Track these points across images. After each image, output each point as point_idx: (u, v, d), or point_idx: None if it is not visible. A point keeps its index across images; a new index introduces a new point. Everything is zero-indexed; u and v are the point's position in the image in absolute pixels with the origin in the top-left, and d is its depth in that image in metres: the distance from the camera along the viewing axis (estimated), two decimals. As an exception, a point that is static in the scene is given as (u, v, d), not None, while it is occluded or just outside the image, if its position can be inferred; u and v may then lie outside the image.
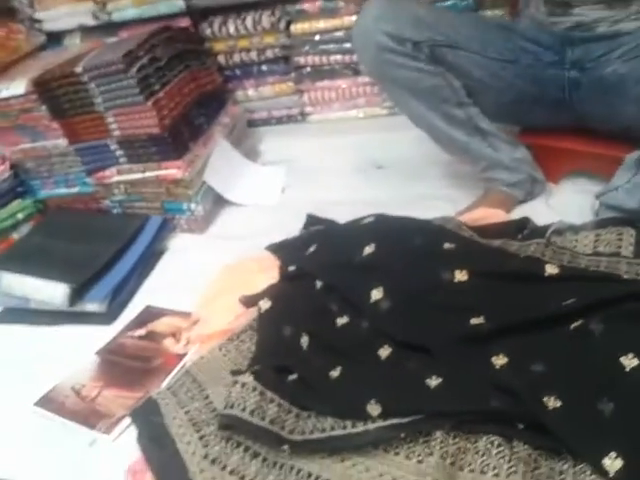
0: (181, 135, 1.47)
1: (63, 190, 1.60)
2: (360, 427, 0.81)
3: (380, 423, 0.80)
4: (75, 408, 1.07)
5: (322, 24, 1.59)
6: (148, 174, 1.48)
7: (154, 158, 1.46)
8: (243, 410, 0.85)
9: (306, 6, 1.58)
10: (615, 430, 0.71)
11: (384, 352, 0.92)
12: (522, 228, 1.18)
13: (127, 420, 1.01)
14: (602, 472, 0.68)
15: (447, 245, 1.04)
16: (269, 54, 1.67)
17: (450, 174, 1.50)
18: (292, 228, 1.37)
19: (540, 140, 1.34)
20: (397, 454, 0.79)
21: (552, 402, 0.76)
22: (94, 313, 1.30)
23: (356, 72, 1.66)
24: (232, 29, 1.62)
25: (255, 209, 1.59)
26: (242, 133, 1.76)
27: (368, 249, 1.05)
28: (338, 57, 1.63)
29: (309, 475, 0.80)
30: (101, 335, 1.24)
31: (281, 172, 1.67)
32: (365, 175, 1.60)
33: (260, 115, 1.82)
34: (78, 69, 1.35)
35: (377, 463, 0.79)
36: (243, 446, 0.86)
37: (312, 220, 1.39)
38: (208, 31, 1.65)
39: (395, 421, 0.80)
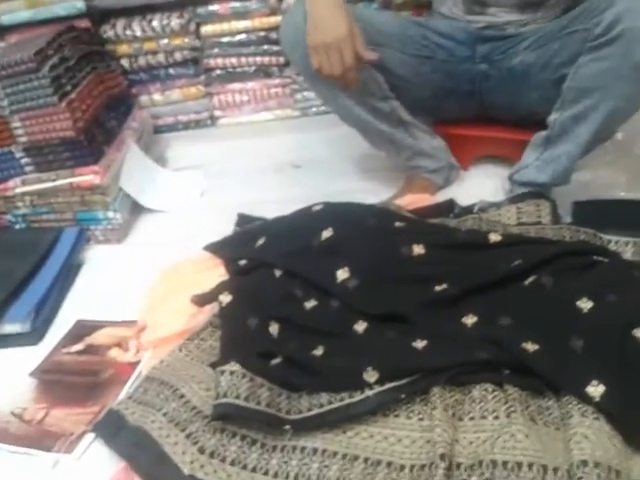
0: (95, 139, 1.40)
1: (-44, 207, 1.44)
2: (358, 396, 0.83)
3: (378, 388, 0.83)
4: (21, 433, 0.97)
5: (233, 26, 1.59)
6: (60, 182, 1.38)
7: (67, 164, 1.37)
8: (237, 397, 0.83)
9: (217, 8, 1.57)
10: (590, 362, 0.80)
11: (360, 327, 0.95)
12: (451, 208, 1.28)
13: (89, 436, 0.93)
14: (588, 399, 0.76)
15: (398, 224, 1.10)
16: (177, 57, 1.63)
17: (365, 169, 1.58)
18: (217, 230, 1.35)
19: (450, 130, 1.45)
20: (397, 416, 0.83)
21: (530, 346, 0.83)
22: (17, 334, 1.19)
23: (267, 74, 1.69)
24: (138, 31, 1.57)
25: (174, 215, 1.55)
26: (149, 139, 1.71)
27: (326, 233, 1.07)
28: (249, 59, 1.64)
29: (314, 451, 0.81)
30: (30, 356, 1.14)
31: (198, 176, 1.64)
32: (284, 175, 1.62)
33: (166, 120, 1.77)
34: (-21, 70, 1.24)
35: (379, 428, 0.82)
36: (239, 435, 0.84)
37: (244, 219, 1.38)
38: (111, 33, 1.58)
39: (393, 384, 0.83)
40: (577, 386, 0.78)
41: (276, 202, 1.43)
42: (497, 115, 1.38)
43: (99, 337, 1.15)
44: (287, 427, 0.82)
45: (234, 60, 1.65)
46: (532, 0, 1.19)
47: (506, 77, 1.26)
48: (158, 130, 1.78)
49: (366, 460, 0.78)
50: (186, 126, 1.79)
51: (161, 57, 1.63)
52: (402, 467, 0.76)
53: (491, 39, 1.26)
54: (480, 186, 1.42)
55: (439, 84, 1.31)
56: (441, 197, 1.39)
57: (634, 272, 0.95)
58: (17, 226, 1.45)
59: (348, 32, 1.09)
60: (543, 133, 1.23)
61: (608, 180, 1.34)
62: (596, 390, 0.76)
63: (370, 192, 1.45)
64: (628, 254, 1.03)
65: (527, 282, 0.95)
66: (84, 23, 1.56)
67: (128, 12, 1.59)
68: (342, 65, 1.10)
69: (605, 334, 0.82)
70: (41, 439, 0.95)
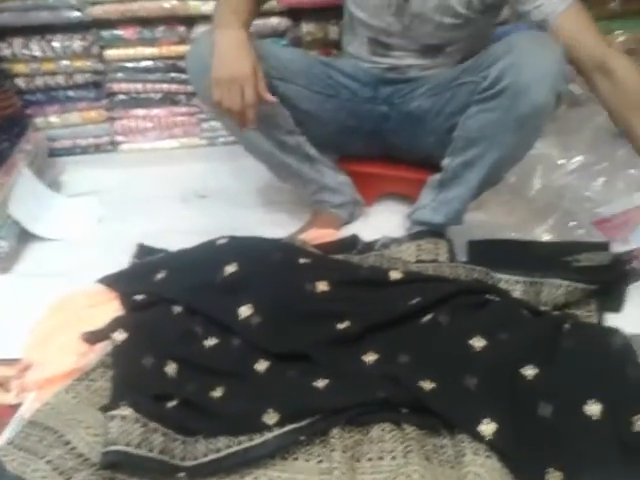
0: (-18, 162, 1.31)
1: None
2: (257, 439, 0.82)
3: (278, 431, 0.81)
4: None
5: (139, 51, 1.55)
6: (-59, 207, 1.28)
7: (-51, 188, 1.27)
8: (128, 444, 0.79)
9: (122, 32, 1.53)
10: (483, 399, 0.83)
11: (261, 366, 0.94)
12: (354, 244, 1.30)
13: (-38, 488, 0.85)
14: (480, 437, 0.79)
15: (302, 260, 1.10)
16: (79, 79, 1.57)
17: (271, 201, 1.57)
18: (114, 262, 1.30)
19: (354, 167, 1.49)
20: (296, 459, 0.81)
21: (427, 384, 0.85)
22: None
23: (174, 102, 1.65)
24: (37, 51, 1.49)
25: (68, 244, 1.46)
26: (43, 163, 1.62)
27: (230, 268, 1.05)
28: (155, 86, 1.61)
29: (209, 499, 0.77)
30: None
31: (94, 203, 1.56)
32: (188, 205, 1.58)
33: (63, 144, 1.69)
34: None
35: (278, 472, 0.80)
36: (129, 484, 0.79)
37: (144, 250, 1.33)
38: (7, 52, 1.49)
39: (293, 426, 0.82)
40: (470, 424, 0.80)
41: (179, 233, 1.39)
42: (399, 155, 1.43)
43: (-23, 376, 1.06)
44: (181, 475, 0.79)
45: (139, 86, 1.61)
46: (431, 46, 1.25)
47: (405, 120, 1.31)
48: (54, 153, 1.69)
49: (264, 506, 0.76)
50: (85, 150, 1.71)
51: (60, 79, 1.56)
52: (300, 511, 0.75)
53: (393, 82, 1.31)
54: (383, 222, 1.45)
55: (343, 122, 1.34)
56: (345, 232, 1.41)
57: (522, 311, 1.00)
58: None
59: (251, 71, 1.10)
60: (437, 176, 1.29)
61: (501, 220, 1.43)
62: (487, 428, 0.79)
63: (276, 225, 1.45)
64: (517, 292, 1.09)
65: (425, 320, 0.98)
66: (-24, 41, 1.46)
67: (26, 31, 1.51)
68: (242, 102, 1.11)
69: (496, 372, 0.86)
70: None
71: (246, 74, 1.09)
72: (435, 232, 1.30)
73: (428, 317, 0.98)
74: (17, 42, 1.51)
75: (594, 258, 1.14)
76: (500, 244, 1.29)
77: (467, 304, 1.01)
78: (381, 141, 1.39)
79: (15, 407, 0.99)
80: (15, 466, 0.84)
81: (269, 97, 1.15)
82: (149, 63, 1.58)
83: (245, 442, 0.82)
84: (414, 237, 1.29)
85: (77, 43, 1.51)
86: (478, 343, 0.91)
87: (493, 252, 1.25)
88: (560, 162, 1.56)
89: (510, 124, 1.09)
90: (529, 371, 0.85)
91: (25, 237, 1.44)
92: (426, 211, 1.33)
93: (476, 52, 1.24)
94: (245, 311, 0.99)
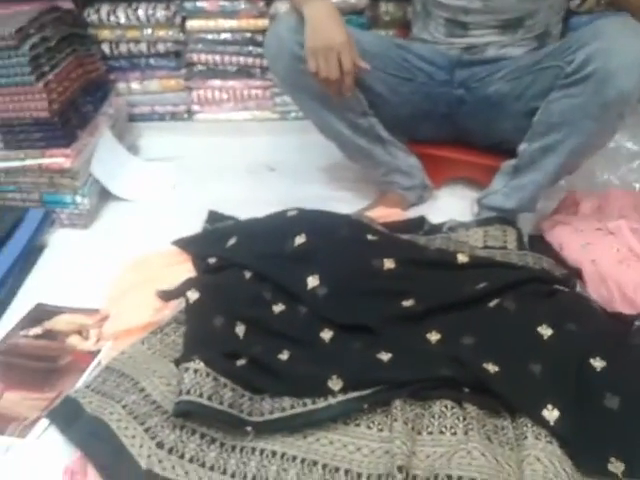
0: (69, 122, 1.38)
1: None
2: (321, 402, 0.84)
3: (342, 397, 0.84)
4: (-27, 414, 0.94)
5: (219, 24, 1.58)
6: (29, 162, 1.35)
7: (38, 145, 1.34)
8: (200, 396, 0.83)
9: (205, 4, 1.57)
10: (547, 386, 0.83)
11: (326, 335, 0.96)
12: (421, 225, 1.31)
13: (43, 422, 0.92)
14: (543, 422, 0.79)
15: (370, 236, 1.12)
16: (160, 48, 1.62)
17: (339, 178, 1.59)
18: (186, 226, 1.34)
19: (425, 149, 1.48)
20: (358, 425, 0.84)
21: (491, 367, 0.86)
22: (-29, 312, 1.16)
23: (249, 75, 1.68)
24: (122, 18, 1.55)
25: (144, 205, 1.53)
26: (123, 126, 1.69)
27: (299, 239, 1.08)
28: (232, 58, 1.64)
29: (273, 454, 0.81)
30: (-16, 336, 1.10)
31: (170, 169, 1.62)
32: (258, 176, 1.62)
33: (142, 110, 1.75)
34: (-41, 40, 1.20)
35: (339, 436, 0.83)
36: (199, 433, 0.83)
37: (215, 216, 1.38)
38: (94, 17, 1.56)
39: (356, 394, 0.84)
40: (533, 409, 0.81)
41: (248, 203, 1.43)
42: (471, 139, 1.42)
43: (59, 323, 1.13)
44: (248, 429, 0.82)
45: (217, 57, 1.65)
46: (511, 20, 1.23)
47: (481, 104, 1.30)
48: (133, 118, 1.75)
49: (324, 466, 0.79)
50: (162, 117, 1.77)
51: (143, 46, 1.62)
52: (359, 475, 0.77)
53: (470, 65, 1.29)
54: (450, 206, 1.45)
55: (417, 105, 1.34)
56: (412, 213, 1.42)
57: (592, 304, 0.99)
58: (-20, 202, 1.41)
59: (346, 38, 1.11)
60: (512, 161, 1.28)
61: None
62: (551, 414, 0.80)
63: (343, 201, 1.47)
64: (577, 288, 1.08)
65: (491, 304, 0.98)
66: (67, 4, 1.52)
67: (113, -3, 1.58)
68: (339, 69, 1.11)
69: (563, 361, 0.85)
70: (-7, 421, 0.92)
71: (342, 42, 1.11)
72: (504, 219, 1.29)
73: (494, 302, 0.98)
74: (104, 8, 1.57)
75: None
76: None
77: (535, 292, 1.00)
78: (454, 125, 1.38)
79: (93, 354, 1.05)
80: (93, 408, 0.90)
81: (364, 64, 1.15)
82: (228, 35, 1.61)
83: (309, 404, 0.85)
84: (482, 223, 1.29)
85: (161, 12, 1.56)
86: (545, 331, 0.90)
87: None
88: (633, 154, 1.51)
89: (594, 110, 1.07)
90: (597, 362, 0.85)
91: (105, 197, 1.51)
92: (497, 196, 1.32)
93: (552, 27, 1.21)
94: (312, 281, 1.02)
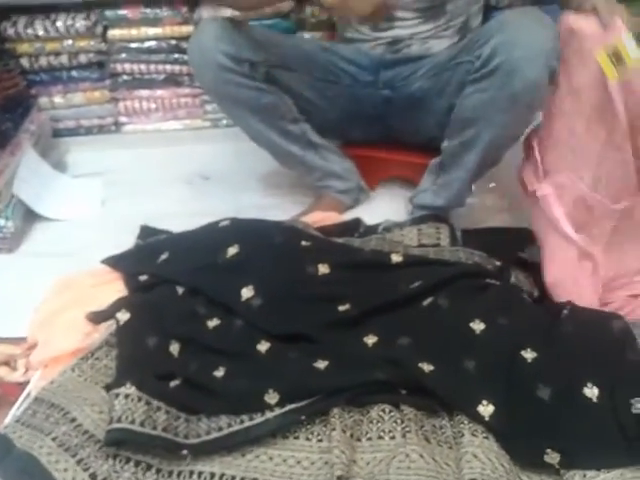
0: (-13, 142, 1.31)
1: None
2: (259, 418, 0.83)
3: (279, 410, 0.83)
4: None
5: (142, 32, 1.54)
6: (-55, 186, 1.29)
7: (-46, 167, 1.28)
8: (132, 422, 0.80)
9: (126, 12, 1.52)
10: (481, 382, 0.84)
11: (263, 347, 0.95)
12: (357, 227, 1.31)
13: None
14: (479, 418, 0.80)
15: (304, 242, 1.11)
16: (82, 59, 1.56)
17: (275, 184, 1.58)
18: (118, 242, 1.30)
19: (358, 151, 1.49)
20: (297, 438, 0.83)
21: (426, 366, 0.86)
22: None
23: (177, 83, 1.65)
24: (40, 30, 1.49)
25: (72, 224, 1.47)
26: (47, 143, 1.62)
27: (232, 250, 1.06)
28: (159, 66, 1.60)
29: (212, 476, 0.79)
30: None
31: (98, 184, 1.57)
32: (192, 187, 1.59)
33: (67, 124, 1.69)
34: None
35: (279, 450, 0.82)
36: (133, 461, 0.81)
37: (147, 231, 1.34)
38: (11, 31, 1.49)
39: (293, 406, 0.83)
40: (468, 405, 0.81)
41: (183, 215, 1.40)
42: (402, 139, 1.43)
43: (-16, 355, 1.08)
44: (184, 452, 0.80)
45: (142, 67, 1.60)
46: (433, 3, 1.23)
47: (407, 103, 1.31)
48: (58, 134, 1.69)
49: (264, 483, 0.78)
50: (88, 131, 1.71)
51: (64, 59, 1.56)
52: (300, 490, 0.76)
53: (394, 64, 1.30)
54: (386, 206, 1.46)
55: (344, 108, 1.34)
56: (349, 216, 1.41)
57: (522, 296, 1.01)
58: None
59: None
60: (437, 159, 1.29)
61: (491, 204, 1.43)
62: (486, 410, 0.81)
63: (279, 208, 1.46)
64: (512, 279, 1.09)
65: (425, 303, 0.99)
66: (-19, 19, 1.46)
67: (30, 10, 1.51)
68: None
69: (495, 355, 0.87)
70: None
71: None
72: (437, 216, 1.30)
73: (428, 300, 0.99)
74: (21, 21, 1.50)
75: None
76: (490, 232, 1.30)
77: (467, 287, 1.01)
78: (384, 126, 1.38)
79: (22, 385, 1.01)
80: (23, 442, 0.86)
81: None
82: (152, 43, 1.57)
83: (247, 421, 0.83)
84: (416, 221, 1.30)
85: (81, 22, 1.51)
86: (477, 326, 0.92)
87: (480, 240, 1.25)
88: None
89: (503, 103, 1.08)
90: (528, 354, 0.86)
91: (30, 217, 1.45)
92: (427, 195, 1.33)
93: (472, 19, 1.23)
94: (246, 293, 1.00)
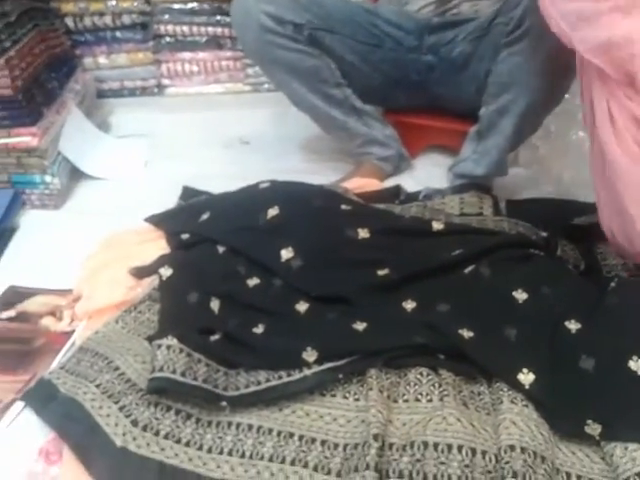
0: (34, 99, 1.34)
1: None
2: (297, 374, 0.84)
3: (317, 368, 0.84)
4: (-56, 399, 0.93)
5: (186, -7, 1.54)
6: (-6, 142, 1.32)
7: (3, 124, 1.31)
8: (174, 372, 0.82)
9: (170, -28, 1.52)
10: (522, 351, 0.83)
11: (301, 307, 0.95)
12: (397, 194, 1.30)
13: (18, 405, 0.90)
14: (518, 386, 0.79)
15: (344, 207, 1.11)
16: (125, 20, 1.57)
17: (314, 150, 1.57)
18: (160, 202, 1.32)
19: (400, 118, 1.47)
20: (334, 396, 0.83)
21: (466, 333, 0.86)
22: (-59, 298, 1.13)
23: (219, 45, 1.65)
24: (86, -11, 1.50)
25: (116, 183, 1.50)
26: (92, 103, 1.65)
27: (272, 211, 1.07)
28: (201, 28, 1.60)
29: (250, 427, 0.80)
30: (-46, 320, 1.08)
31: (142, 145, 1.59)
32: (232, 150, 1.60)
33: (111, 85, 1.71)
34: None
35: (316, 407, 0.82)
36: (174, 409, 0.82)
37: (189, 192, 1.36)
38: (56, -10, 1.51)
39: (331, 364, 0.84)
40: (508, 373, 0.81)
41: (222, 177, 1.41)
42: (444, 106, 1.40)
43: (32, 304, 1.12)
44: (223, 403, 0.82)
45: (185, 28, 1.60)
46: None
47: (449, 68, 1.28)
48: (102, 95, 1.71)
49: (301, 438, 0.79)
50: (132, 92, 1.73)
51: (108, 19, 1.57)
52: (336, 445, 0.77)
53: (439, 29, 1.27)
54: (427, 175, 1.44)
55: (387, 73, 1.32)
56: (389, 183, 1.40)
57: (567, 267, 0.99)
58: (-54, 185, 1.37)
59: None
60: (476, 127, 1.27)
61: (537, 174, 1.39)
62: (526, 378, 0.80)
63: (318, 173, 1.45)
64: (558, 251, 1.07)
65: (466, 271, 0.98)
66: (28, -23, 1.47)
67: (75, -31, 1.52)
68: None
69: (538, 324, 0.85)
70: (-32, 406, 0.91)
71: None
72: (480, 185, 1.28)
73: (469, 268, 0.98)
74: (66, -20, 1.52)
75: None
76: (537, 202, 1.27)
77: (510, 257, 1.00)
78: (426, 92, 1.36)
79: (67, 335, 1.04)
80: (68, 388, 0.88)
81: None
82: (195, 5, 1.57)
83: (284, 377, 0.84)
84: (458, 190, 1.28)
85: (124, -18, 1.51)
86: (520, 295, 0.90)
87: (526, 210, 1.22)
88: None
89: (537, 66, 1.05)
90: (572, 325, 0.85)
91: (75, 175, 1.48)
92: (467, 163, 1.31)
93: None
94: (286, 254, 1.01)
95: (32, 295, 1.13)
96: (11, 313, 1.09)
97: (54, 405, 0.86)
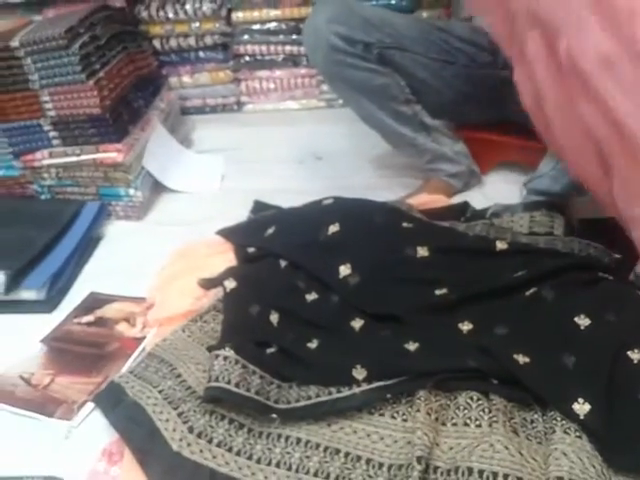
0: (121, 117, 1.44)
1: (-14, 174, 1.49)
2: (346, 392, 0.85)
3: (366, 386, 0.84)
4: (27, 397, 1.01)
5: (264, 14, 1.60)
6: (84, 157, 1.43)
7: (92, 140, 1.41)
8: (228, 383, 0.85)
9: (250, -5, 1.59)
10: (579, 379, 0.80)
11: (357, 324, 0.96)
12: (464, 211, 1.28)
13: (89, 406, 0.97)
14: (573, 416, 0.76)
15: (405, 224, 1.11)
16: (208, 41, 1.66)
17: (386, 165, 1.58)
18: (234, 215, 1.38)
19: (472, 134, 1.44)
20: (382, 415, 0.84)
21: (522, 358, 0.83)
22: (32, 301, 1.23)
23: (295, 63, 1.70)
24: (171, 13, 1.60)
25: (194, 197, 1.58)
26: (176, 120, 1.74)
27: (333, 228, 1.09)
28: (278, 47, 1.66)
29: (298, 441, 0.82)
30: (42, 323, 1.18)
31: (220, 160, 1.66)
32: (305, 166, 1.63)
33: (194, 103, 1.80)
34: (14, 43, 1.28)
35: (363, 425, 0.83)
36: (227, 418, 0.86)
37: (259, 206, 1.40)
38: (145, 14, 1.61)
39: (380, 383, 0.84)
40: (562, 402, 0.78)
41: (294, 192, 1.44)
42: (518, 121, 1.36)
43: (109, 311, 1.19)
44: (274, 416, 0.84)
45: (263, 48, 1.67)
46: None
47: None
48: (185, 112, 1.81)
49: (347, 455, 0.79)
50: (213, 109, 1.81)
51: (192, 40, 1.66)
52: (380, 465, 0.77)
53: None
54: (498, 191, 1.41)
55: (460, 89, 1.30)
56: (458, 199, 1.38)
57: (637, 292, 0.93)
58: (42, 196, 1.50)
59: None
60: None
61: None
62: (581, 408, 0.76)
63: (388, 189, 1.46)
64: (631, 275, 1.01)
65: (528, 293, 0.95)
66: (119, 2, 1.58)
67: (162, -6, 1.62)
68: None
69: (598, 353, 0.82)
70: (44, 404, 0.99)
71: None
72: (553, 203, 1.23)
73: (532, 291, 0.95)
74: (154, 5, 1.62)
75: None
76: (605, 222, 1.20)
77: (576, 280, 0.96)
78: (500, 108, 1.33)
79: (139, 340, 1.10)
80: (134, 392, 0.94)
81: None
82: (273, 25, 1.63)
83: (334, 393, 0.85)
84: (529, 207, 1.24)
85: (207, 5, 1.60)
86: (582, 321, 0.86)
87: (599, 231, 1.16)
88: None
89: None
90: (635, 355, 0.80)
91: (157, 189, 1.57)
92: (544, 180, 1.27)
93: None
94: (344, 270, 1.02)
95: (110, 302, 1.21)
96: (90, 318, 1.18)
97: (120, 408, 0.92)
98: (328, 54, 1.21)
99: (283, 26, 1.62)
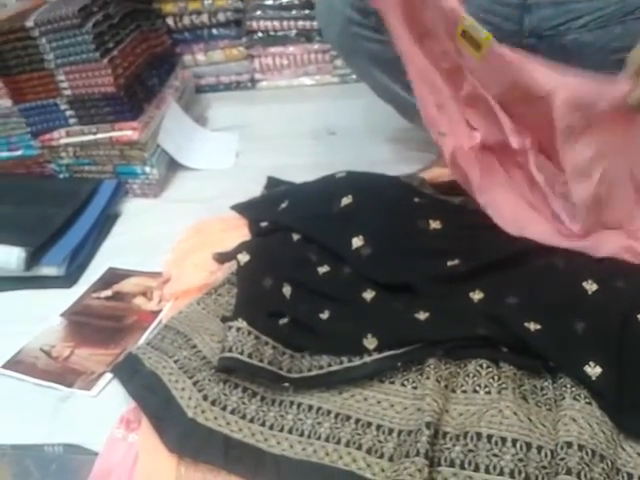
0: (135, 95, 1.45)
1: (4, 154, 1.51)
2: (357, 361, 0.86)
3: (377, 355, 0.85)
4: (48, 368, 1.04)
5: (276, -11, 1.60)
6: (100, 136, 1.44)
7: (107, 119, 1.42)
8: (241, 353, 0.87)
9: (261, -31, 1.58)
10: (589, 344, 0.80)
11: (368, 295, 0.97)
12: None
13: (107, 376, 1.00)
14: (584, 378, 0.76)
15: (417, 199, 1.11)
16: (221, 17, 1.66)
17: (400, 140, 1.57)
18: (249, 191, 1.39)
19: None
20: (392, 383, 0.85)
21: (532, 326, 0.84)
22: (52, 277, 1.27)
23: (308, 39, 1.69)
24: (183, -10, 1.60)
25: (209, 174, 1.59)
26: (190, 98, 1.75)
27: (345, 200, 1.09)
28: (291, 23, 1.65)
29: (309, 408, 0.84)
30: (62, 298, 1.21)
31: (234, 137, 1.67)
32: (318, 141, 1.63)
33: (208, 81, 1.81)
34: (29, 23, 1.29)
35: (374, 392, 0.84)
36: (241, 387, 0.88)
37: (273, 182, 1.41)
38: (157, -9, 1.62)
39: (391, 352, 0.85)
40: (574, 366, 0.78)
41: (308, 168, 1.44)
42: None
43: (127, 285, 1.22)
44: (286, 384, 0.86)
45: (276, 23, 1.66)
46: None
47: (557, 54, 1.20)
48: (200, 90, 1.81)
49: (357, 421, 0.81)
50: (227, 87, 1.82)
51: (205, 17, 1.66)
52: (390, 431, 0.79)
53: (536, 7, 1.20)
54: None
55: None
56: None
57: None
58: (61, 175, 1.53)
59: None
60: None
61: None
62: (593, 371, 0.77)
63: (402, 162, 1.45)
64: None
65: (540, 263, 0.95)
66: (132, -20, 1.58)
67: (175, -29, 1.62)
68: None
69: (607, 317, 0.82)
70: (64, 375, 1.02)
71: None
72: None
73: (543, 260, 0.95)
74: (165, -18, 1.62)
75: None
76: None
77: (589, 250, 0.95)
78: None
79: (156, 313, 1.13)
80: (151, 363, 0.96)
81: None
82: (285, 0, 1.62)
83: (346, 362, 0.87)
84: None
85: (219, -19, 1.59)
86: (590, 287, 0.87)
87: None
88: None
89: None
90: (645, 318, 0.80)
91: (173, 166, 1.59)
92: None
93: None
94: (357, 242, 1.02)
95: (128, 276, 1.23)
96: (108, 292, 1.20)
97: (137, 378, 0.94)
98: (343, 27, 1.20)
99: (295, 1, 1.61)
